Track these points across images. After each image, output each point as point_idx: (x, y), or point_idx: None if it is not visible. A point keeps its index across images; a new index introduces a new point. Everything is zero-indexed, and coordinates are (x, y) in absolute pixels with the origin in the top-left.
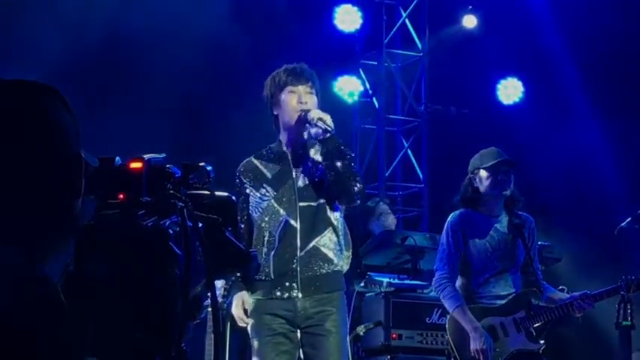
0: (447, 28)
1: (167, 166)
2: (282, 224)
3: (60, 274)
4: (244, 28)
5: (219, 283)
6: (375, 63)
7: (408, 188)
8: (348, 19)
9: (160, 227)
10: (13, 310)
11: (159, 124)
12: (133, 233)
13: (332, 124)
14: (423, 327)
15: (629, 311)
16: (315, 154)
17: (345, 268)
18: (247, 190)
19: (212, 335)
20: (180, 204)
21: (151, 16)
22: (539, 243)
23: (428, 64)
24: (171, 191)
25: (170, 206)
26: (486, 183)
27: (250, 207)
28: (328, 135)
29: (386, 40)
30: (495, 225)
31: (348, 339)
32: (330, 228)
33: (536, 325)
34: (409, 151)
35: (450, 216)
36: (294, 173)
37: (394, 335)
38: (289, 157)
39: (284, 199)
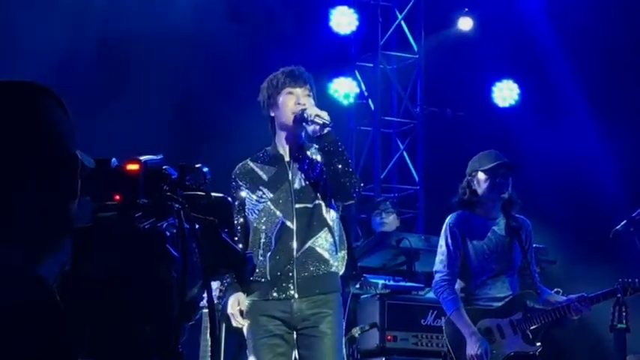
0: (443, 30)
1: (164, 167)
2: (278, 226)
3: (56, 275)
4: (240, 30)
5: (215, 285)
6: (371, 65)
7: (404, 190)
8: (343, 21)
9: (157, 229)
10: (7, 310)
11: (155, 125)
12: (131, 235)
13: (329, 119)
14: (418, 329)
15: (624, 314)
16: (312, 155)
17: (341, 269)
18: (243, 193)
19: (207, 336)
20: (177, 206)
21: (148, 17)
22: (534, 245)
23: (424, 66)
24: (168, 193)
25: (167, 208)
26: (484, 185)
27: (246, 209)
28: (326, 130)
29: (382, 42)
30: (493, 227)
31: (343, 341)
32: (326, 228)
33: (533, 327)
34: (405, 153)
35: (449, 217)
36: (290, 175)
37: (389, 337)
38: (285, 159)
39: (280, 201)
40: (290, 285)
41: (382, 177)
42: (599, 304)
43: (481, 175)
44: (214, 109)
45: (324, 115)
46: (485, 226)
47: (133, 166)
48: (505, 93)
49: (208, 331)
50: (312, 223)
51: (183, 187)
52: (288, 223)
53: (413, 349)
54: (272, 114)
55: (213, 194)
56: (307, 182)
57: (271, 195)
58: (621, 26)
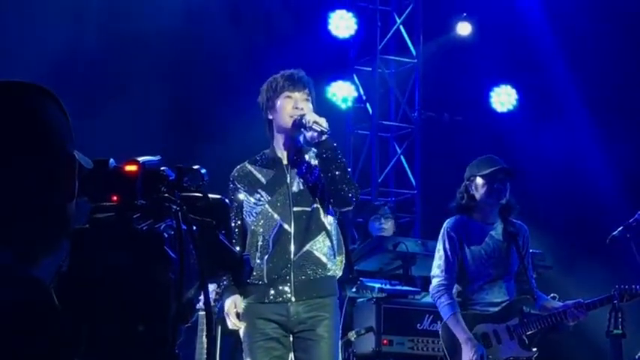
0: (442, 35)
1: (161, 168)
2: (276, 229)
3: (53, 276)
4: (239, 32)
5: (212, 287)
6: (369, 69)
7: (401, 194)
8: (342, 25)
9: (155, 231)
10: (2, 311)
11: (153, 126)
12: (128, 236)
13: (327, 126)
14: (414, 333)
15: (620, 320)
16: (310, 159)
17: (339, 273)
18: (241, 195)
19: (204, 338)
20: (175, 207)
21: (146, 19)
22: (531, 251)
23: (422, 71)
24: (166, 194)
25: (165, 209)
26: (482, 191)
27: (244, 212)
28: (324, 137)
29: (380, 47)
30: (490, 232)
31: (340, 345)
32: (324, 232)
33: (529, 332)
34: (402, 158)
35: (446, 222)
36: (288, 178)
37: (385, 341)
38: (283, 162)
39: (278, 204)
40: (287, 288)
41: (379, 181)
42: (595, 310)
43: (479, 180)
44: (212, 110)
45: (323, 121)
46: (483, 231)
47: (131, 167)
48: (503, 98)
49: (204, 333)
50: (310, 227)
51: (181, 189)
52: (286, 226)
53: (409, 354)
54: (270, 117)
55: (210, 196)
56: (305, 186)
57: (269, 198)
58: (620, 33)
